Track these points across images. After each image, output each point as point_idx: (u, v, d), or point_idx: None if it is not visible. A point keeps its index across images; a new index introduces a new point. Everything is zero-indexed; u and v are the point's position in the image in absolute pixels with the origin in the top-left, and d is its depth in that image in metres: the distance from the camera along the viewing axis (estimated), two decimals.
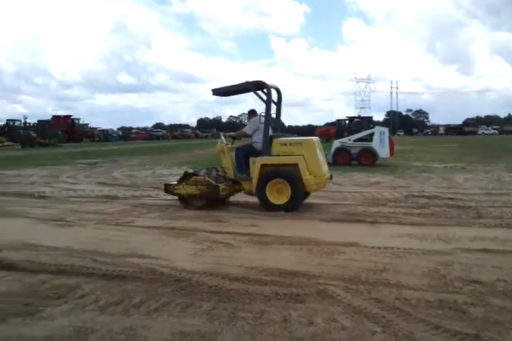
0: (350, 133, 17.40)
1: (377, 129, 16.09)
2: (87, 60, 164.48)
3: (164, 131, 72.68)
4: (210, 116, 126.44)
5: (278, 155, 6.85)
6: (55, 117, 50.31)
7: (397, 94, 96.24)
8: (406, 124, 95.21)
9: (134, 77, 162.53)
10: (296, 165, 6.66)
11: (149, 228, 5.81)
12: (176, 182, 7.41)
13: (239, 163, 7.17)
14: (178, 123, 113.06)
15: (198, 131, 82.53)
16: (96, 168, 15.41)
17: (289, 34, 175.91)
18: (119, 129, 79.89)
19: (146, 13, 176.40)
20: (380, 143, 15.46)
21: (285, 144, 6.88)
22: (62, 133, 44.43)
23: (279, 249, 4.75)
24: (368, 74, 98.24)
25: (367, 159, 15.52)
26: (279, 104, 7.63)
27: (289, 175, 6.66)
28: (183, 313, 3.07)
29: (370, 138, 15.92)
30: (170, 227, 5.81)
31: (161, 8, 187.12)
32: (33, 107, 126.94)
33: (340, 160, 15.66)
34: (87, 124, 55.20)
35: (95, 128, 58.33)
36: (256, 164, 6.86)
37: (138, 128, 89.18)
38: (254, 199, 7.25)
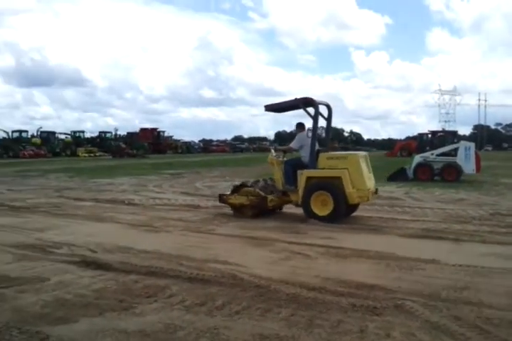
0: (433, 147, 16.84)
1: (462, 144, 15.43)
2: (173, 75, 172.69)
3: (247, 144, 74.56)
4: (288, 129, 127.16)
5: (324, 169, 7.15)
6: (143, 129, 53.50)
7: (485, 106, 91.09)
8: (495, 139, 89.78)
9: (216, 91, 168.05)
10: (339, 178, 6.88)
11: (230, 236, 6.08)
12: (229, 193, 7.83)
13: (287, 175, 7.50)
14: (256, 136, 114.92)
15: (275, 144, 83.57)
16: (179, 179, 16.17)
17: (370, 46, 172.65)
18: (200, 141, 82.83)
19: (229, 30, 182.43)
20: (466, 158, 14.78)
21: (331, 158, 7.20)
22: (149, 144, 47.10)
23: (356, 262, 4.79)
24: (454, 86, 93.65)
25: (450, 175, 14.89)
26: (329, 119, 7.91)
27: (333, 187, 6.92)
28: (263, 317, 3.23)
29: (454, 153, 15.29)
30: (249, 236, 6.03)
31: (244, 24, 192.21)
32: (122, 120, 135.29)
33: (422, 175, 15.15)
34: (171, 136, 57.99)
35: (178, 140, 60.99)
36: (302, 176, 7.19)
37: (218, 140, 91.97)
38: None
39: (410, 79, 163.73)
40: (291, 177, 7.41)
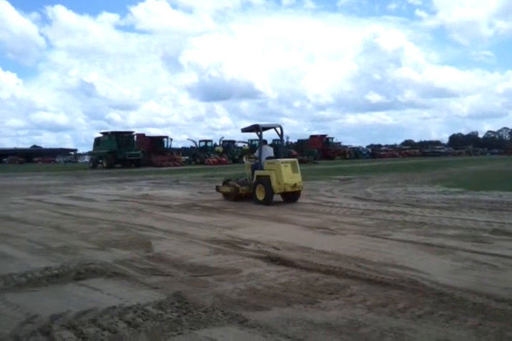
0: None
1: None
2: (339, 82, 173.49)
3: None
4: (464, 132, 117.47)
5: (265, 170, 10.42)
6: (313, 137, 55.00)
7: None
8: None
9: (383, 95, 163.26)
10: (269, 176, 10.15)
11: (405, 242, 5.99)
12: (221, 185, 11.61)
13: (252, 174, 10.85)
14: (428, 139, 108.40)
15: (450, 148, 77.90)
16: (349, 184, 16.27)
17: None
18: (368, 147, 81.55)
19: (396, 32, 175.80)
20: None
21: (269, 163, 10.49)
22: (318, 151, 48.11)
23: None
24: None
25: None
26: (281, 136, 11.45)
27: (265, 181, 10.24)
28: (447, 324, 3.18)
29: None
30: (426, 243, 5.86)
31: (412, 24, 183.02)
32: (292, 128, 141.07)
33: None
34: (339, 142, 58.38)
35: (346, 146, 61.01)
36: (255, 175, 10.63)
37: (387, 145, 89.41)
38: None
39: None
40: (254, 175, 10.66)
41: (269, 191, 10.16)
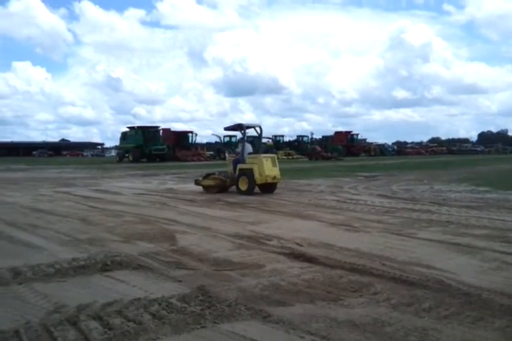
0: None
1: None
2: (364, 77, 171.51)
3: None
4: (494, 130, 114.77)
5: (247, 163, 11.53)
6: (337, 133, 54.62)
7: None
8: None
9: (409, 91, 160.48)
10: (252, 169, 11.31)
11: (432, 241, 5.89)
12: (201, 179, 12.53)
13: (234, 167, 11.92)
14: (455, 137, 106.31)
15: (481, 146, 76.35)
16: (374, 181, 16.08)
17: None
18: (393, 144, 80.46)
19: (423, 27, 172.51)
20: None
21: (251, 158, 11.69)
22: (343, 147, 47.75)
23: None
24: None
25: None
26: (260, 135, 12.72)
27: (248, 174, 11.42)
28: (474, 325, 3.12)
29: None
30: (453, 243, 5.75)
31: (439, 19, 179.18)
32: (316, 124, 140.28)
33: None
34: (365, 139, 57.82)
35: (371, 143, 60.31)
36: (237, 168, 11.69)
37: (413, 142, 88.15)
38: None
39: None
40: (235, 169, 11.75)
41: (252, 182, 11.35)
